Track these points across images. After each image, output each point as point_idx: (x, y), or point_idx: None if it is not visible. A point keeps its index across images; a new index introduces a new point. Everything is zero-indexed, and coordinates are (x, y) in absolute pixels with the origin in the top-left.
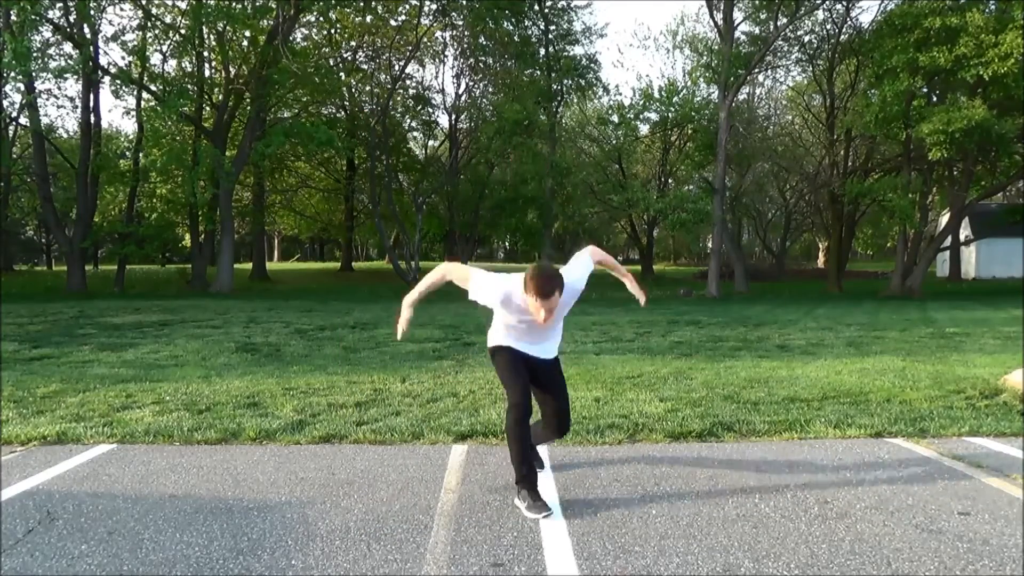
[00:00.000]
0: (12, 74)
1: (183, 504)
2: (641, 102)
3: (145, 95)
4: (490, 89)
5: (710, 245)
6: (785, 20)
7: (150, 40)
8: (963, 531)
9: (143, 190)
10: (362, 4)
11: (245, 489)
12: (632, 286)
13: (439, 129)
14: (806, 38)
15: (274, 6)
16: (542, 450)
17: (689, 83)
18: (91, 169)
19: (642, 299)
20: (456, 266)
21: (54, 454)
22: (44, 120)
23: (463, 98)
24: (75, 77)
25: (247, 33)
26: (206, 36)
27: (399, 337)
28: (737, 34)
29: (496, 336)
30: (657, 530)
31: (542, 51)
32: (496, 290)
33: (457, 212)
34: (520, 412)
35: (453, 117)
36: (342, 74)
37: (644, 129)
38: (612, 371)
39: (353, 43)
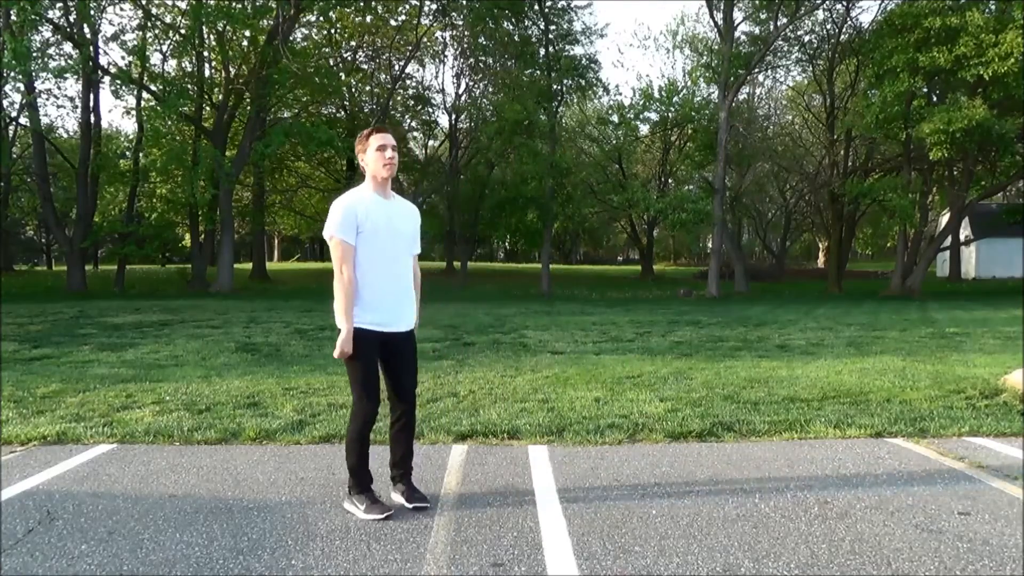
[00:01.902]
0: (12, 74)
1: (183, 504)
2: (641, 102)
3: (145, 95)
4: (490, 89)
5: (710, 245)
6: (785, 20)
7: (150, 40)
8: (963, 531)
9: (143, 190)
10: (362, 4)
11: (245, 489)
12: None
13: (439, 129)
14: (806, 38)
15: (274, 6)
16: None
17: (689, 83)
18: (91, 169)
19: None
20: (336, 259)
21: (54, 454)
22: (44, 120)
23: (463, 98)
24: (75, 77)
25: (247, 33)
26: (206, 36)
27: (336, 356)
28: (737, 34)
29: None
30: (657, 530)
31: (542, 51)
32: (344, 203)
33: (457, 212)
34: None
35: (453, 117)
36: (342, 74)
37: (644, 129)
38: (612, 371)
39: (353, 43)
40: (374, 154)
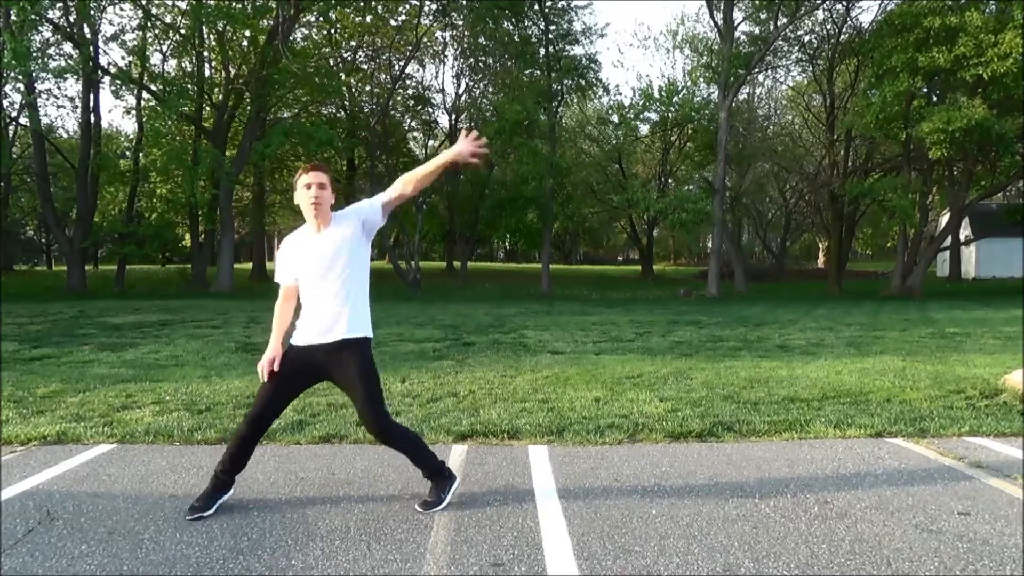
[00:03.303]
0: (12, 74)
1: (183, 504)
2: (641, 102)
3: (145, 95)
4: (490, 89)
5: (710, 245)
6: (785, 20)
7: (150, 40)
8: (963, 531)
9: (143, 190)
10: (362, 4)
11: (245, 489)
12: (454, 152)
13: (439, 129)
14: (806, 38)
15: (274, 6)
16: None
17: (689, 83)
18: (91, 169)
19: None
20: (282, 299)
21: (54, 454)
22: (44, 120)
23: (463, 98)
24: (75, 77)
25: (247, 33)
26: (206, 36)
27: (264, 378)
28: (737, 34)
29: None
30: (657, 530)
31: (542, 51)
32: (282, 253)
33: (457, 212)
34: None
35: (453, 117)
36: (342, 74)
37: (644, 129)
38: (612, 371)
39: (353, 43)
40: (305, 178)
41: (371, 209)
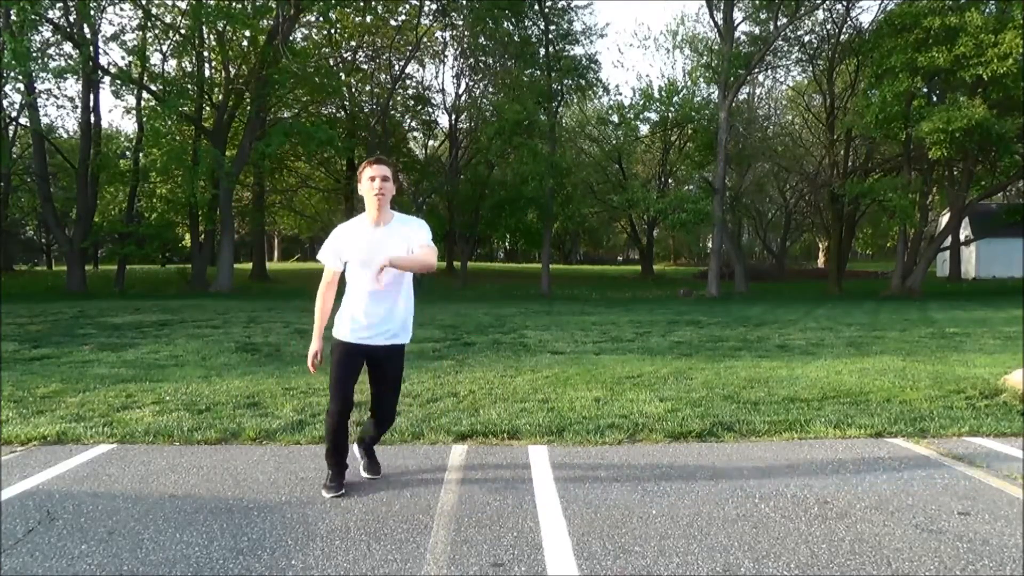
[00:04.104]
0: (12, 74)
1: (183, 504)
2: (641, 102)
3: (145, 95)
4: (490, 89)
5: (710, 245)
6: (785, 20)
7: (150, 40)
8: (963, 531)
9: (143, 190)
10: (362, 4)
11: (245, 489)
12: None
13: (439, 129)
14: (806, 38)
15: (274, 6)
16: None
17: (689, 83)
18: (91, 169)
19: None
20: (325, 283)
21: (54, 454)
22: (44, 120)
23: (463, 98)
24: (75, 77)
25: (247, 33)
26: (206, 36)
27: (313, 370)
28: (737, 34)
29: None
30: (657, 530)
31: (542, 51)
32: (333, 234)
33: (457, 212)
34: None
35: (453, 117)
36: (342, 74)
37: (644, 129)
38: (612, 371)
39: (353, 43)
40: (370, 170)
41: (419, 244)
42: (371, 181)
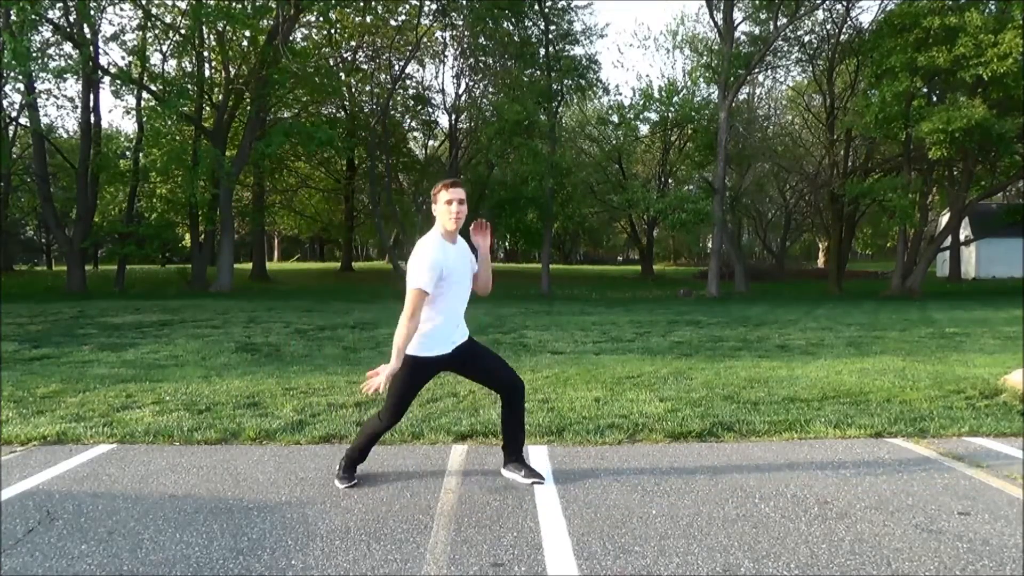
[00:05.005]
0: (12, 74)
1: (183, 504)
2: (641, 102)
3: (145, 95)
4: (490, 89)
5: (710, 245)
6: (785, 20)
7: (150, 40)
8: (963, 531)
9: (143, 190)
10: (362, 4)
11: (245, 489)
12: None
13: (439, 129)
14: (806, 38)
15: (274, 6)
16: (542, 455)
17: (689, 83)
18: (91, 169)
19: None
20: (411, 304)
21: (54, 454)
22: (44, 120)
23: (463, 98)
24: (75, 77)
25: (247, 33)
26: (206, 36)
27: (371, 393)
28: (737, 34)
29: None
30: (657, 530)
31: (542, 51)
32: (431, 258)
33: None
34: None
35: (453, 117)
36: (342, 74)
37: (644, 129)
38: (612, 371)
39: (353, 43)
40: (447, 194)
41: (474, 261)
42: (448, 205)
